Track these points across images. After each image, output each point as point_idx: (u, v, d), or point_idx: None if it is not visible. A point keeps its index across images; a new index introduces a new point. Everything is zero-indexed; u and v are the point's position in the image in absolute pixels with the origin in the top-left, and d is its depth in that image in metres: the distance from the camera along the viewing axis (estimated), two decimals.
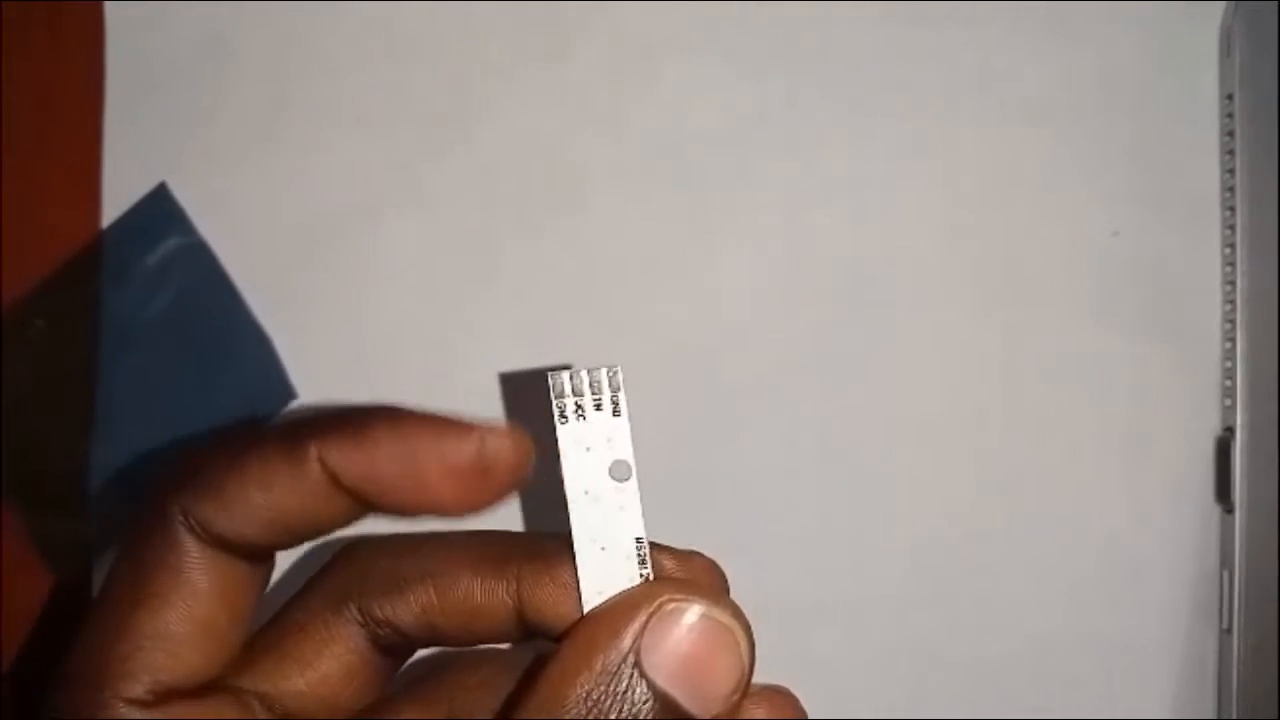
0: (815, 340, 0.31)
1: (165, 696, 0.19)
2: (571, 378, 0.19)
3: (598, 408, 0.19)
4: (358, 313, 0.32)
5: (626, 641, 0.18)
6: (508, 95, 0.32)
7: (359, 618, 0.20)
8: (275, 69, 0.32)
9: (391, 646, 0.21)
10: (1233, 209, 0.29)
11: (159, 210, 0.32)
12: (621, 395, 0.19)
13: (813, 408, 0.31)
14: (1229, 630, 0.29)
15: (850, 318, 0.31)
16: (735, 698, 0.19)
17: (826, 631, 0.31)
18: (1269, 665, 0.29)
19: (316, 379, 0.32)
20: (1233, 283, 0.29)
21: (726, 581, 0.21)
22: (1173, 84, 0.31)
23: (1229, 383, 0.30)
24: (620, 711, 0.18)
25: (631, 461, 0.19)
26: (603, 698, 0.18)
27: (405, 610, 0.20)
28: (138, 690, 0.19)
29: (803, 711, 0.20)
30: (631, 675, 0.18)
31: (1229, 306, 0.30)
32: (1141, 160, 0.31)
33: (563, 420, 0.19)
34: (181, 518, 0.19)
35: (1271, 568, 0.29)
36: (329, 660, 0.20)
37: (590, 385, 0.19)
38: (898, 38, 0.32)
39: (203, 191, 0.32)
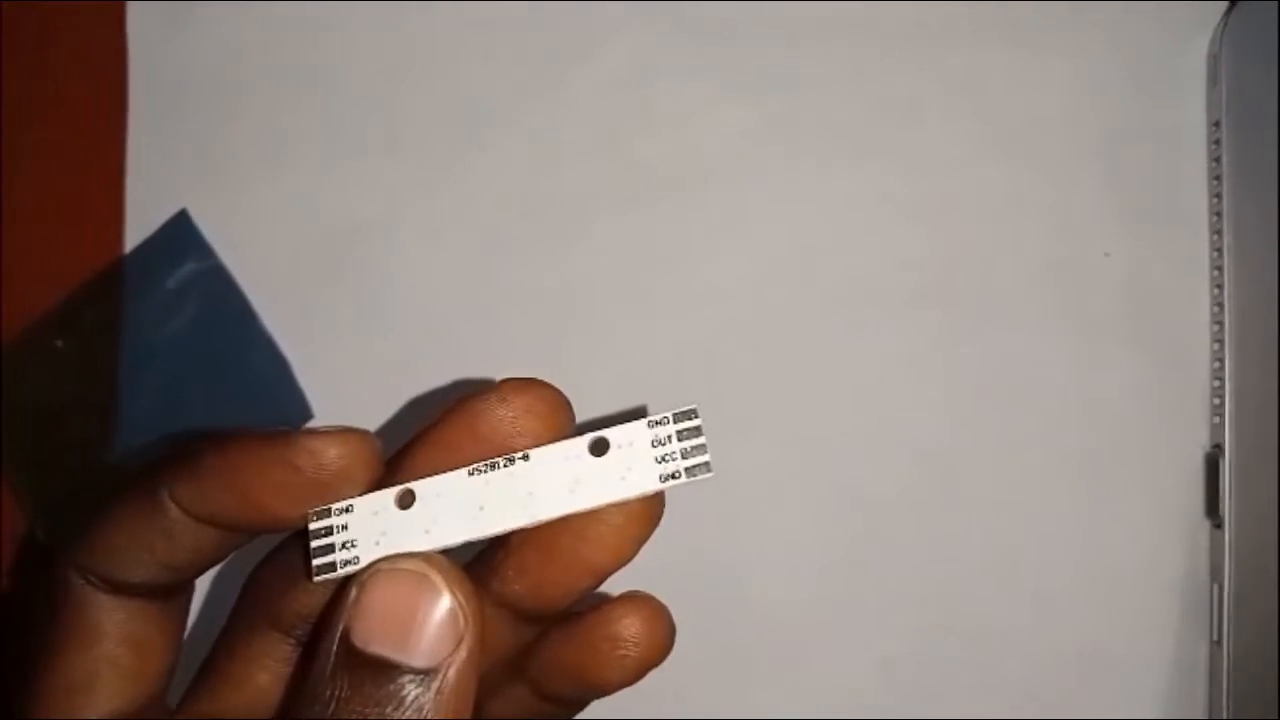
0: (810, 359, 0.32)
1: None
2: None
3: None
4: (372, 331, 0.33)
5: (337, 624, 0.18)
6: (513, 119, 0.33)
7: (276, 627, 0.21)
8: (288, 97, 0.33)
9: None
10: (1220, 232, 0.30)
11: (179, 235, 0.33)
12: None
13: (810, 424, 0.32)
14: (1219, 642, 0.30)
15: (845, 334, 0.32)
16: (446, 638, 0.18)
17: (821, 635, 0.32)
18: (1258, 676, 0.29)
19: (332, 396, 0.33)
20: (1220, 304, 0.30)
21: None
22: (1161, 109, 0.32)
23: (1217, 401, 0.30)
24: (349, 689, 0.18)
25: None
26: (331, 686, 0.18)
27: (311, 599, 0.20)
28: None
29: (669, 618, 0.20)
30: (346, 653, 0.18)
31: (1217, 326, 0.30)
32: (1132, 183, 0.32)
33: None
34: (76, 570, 0.20)
35: (1260, 580, 0.29)
36: (260, 674, 0.21)
37: None
38: (890, 64, 0.32)
39: (220, 215, 0.33)
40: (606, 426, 0.19)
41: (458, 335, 0.33)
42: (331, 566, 0.19)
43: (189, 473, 0.19)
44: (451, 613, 0.18)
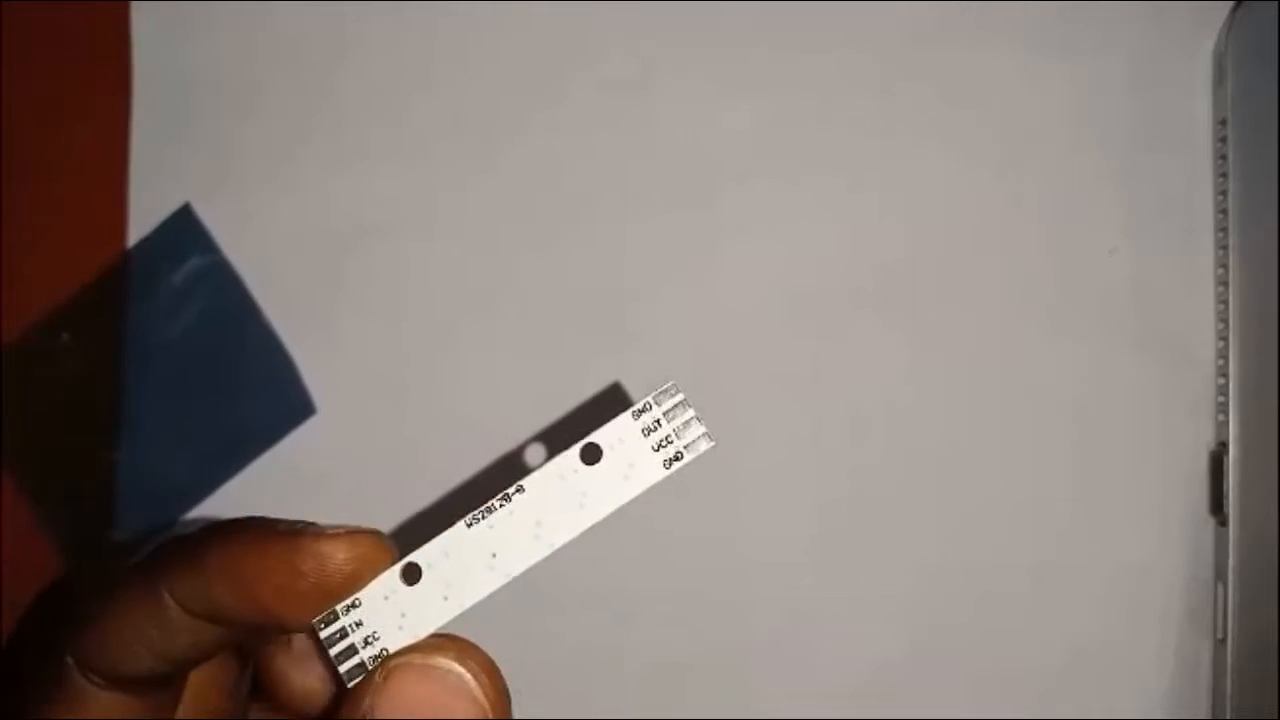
0: (814, 358, 0.32)
1: None
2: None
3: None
4: (375, 330, 0.33)
5: (358, 704, 0.18)
6: (518, 121, 0.33)
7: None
8: (297, 93, 0.33)
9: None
10: (1225, 230, 0.30)
11: (182, 230, 0.33)
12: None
13: (811, 423, 0.32)
14: (1223, 640, 0.30)
15: (848, 334, 0.32)
16: None
17: (821, 635, 0.32)
18: (1262, 674, 0.29)
19: (336, 393, 0.33)
20: (1225, 302, 0.30)
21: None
22: (1167, 108, 0.32)
23: (1222, 398, 0.30)
24: None
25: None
26: None
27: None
28: None
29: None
30: None
31: (1222, 324, 0.30)
32: (1137, 181, 0.32)
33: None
34: (72, 661, 0.19)
35: (1264, 579, 0.29)
36: (212, 693, 0.21)
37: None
38: (893, 60, 0.32)
39: (225, 211, 0.33)
40: (586, 429, 0.18)
41: (461, 335, 0.33)
42: (362, 668, 0.18)
43: (189, 569, 0.19)
44: (477, 712, 0.18)
